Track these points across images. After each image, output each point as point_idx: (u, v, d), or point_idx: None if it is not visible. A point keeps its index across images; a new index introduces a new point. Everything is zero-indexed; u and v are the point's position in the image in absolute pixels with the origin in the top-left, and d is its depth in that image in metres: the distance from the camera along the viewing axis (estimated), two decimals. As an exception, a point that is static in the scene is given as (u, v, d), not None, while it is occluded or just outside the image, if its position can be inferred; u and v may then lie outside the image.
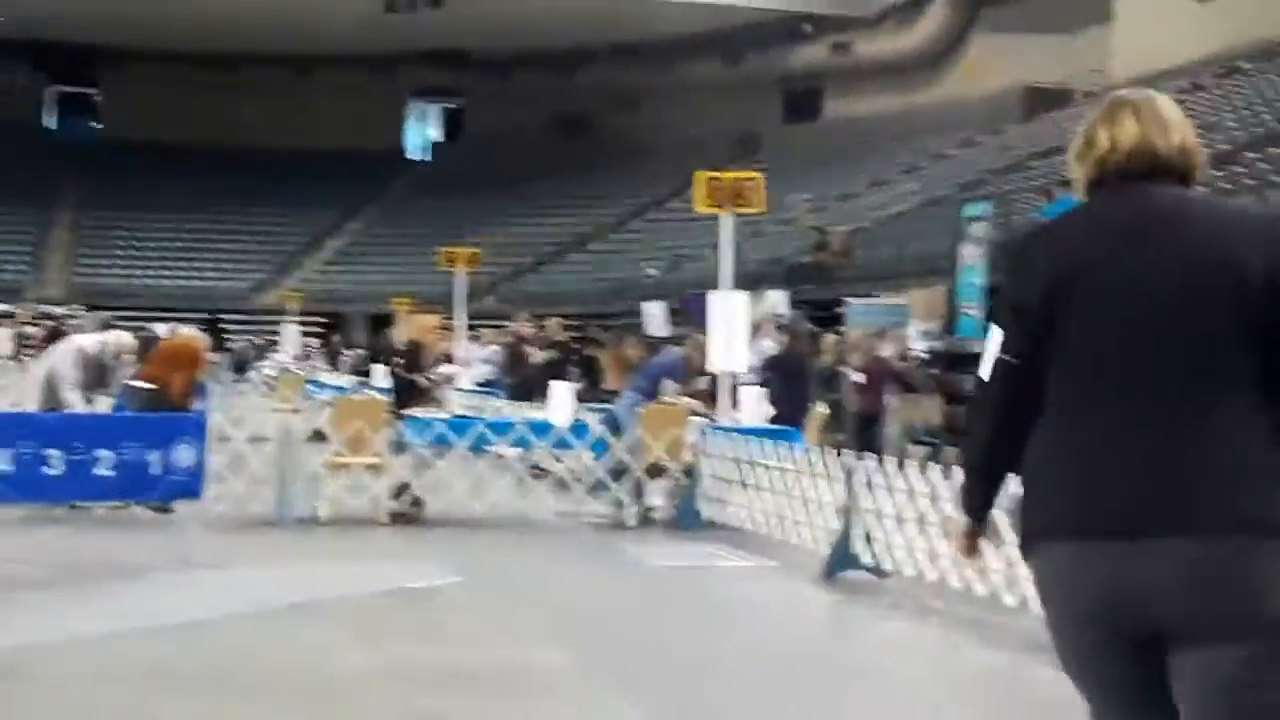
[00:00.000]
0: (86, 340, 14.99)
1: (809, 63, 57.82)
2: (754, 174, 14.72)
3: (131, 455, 12.78)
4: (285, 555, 11.36)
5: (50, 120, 67.05)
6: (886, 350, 19.64)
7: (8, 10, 54.45)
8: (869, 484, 10.62)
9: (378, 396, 16.05)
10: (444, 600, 9.81)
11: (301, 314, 42.23)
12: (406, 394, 18.21)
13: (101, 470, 12.73)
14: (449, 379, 21.42)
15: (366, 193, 62.13)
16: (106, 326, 18.18)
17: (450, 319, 25.10)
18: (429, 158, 67.51)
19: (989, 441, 3.48)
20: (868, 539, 10.55)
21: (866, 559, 10.54)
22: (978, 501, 3.58)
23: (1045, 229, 3.59)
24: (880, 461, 11.05)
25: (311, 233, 60.18)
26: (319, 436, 14.86)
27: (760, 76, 58.39)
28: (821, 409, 17.38)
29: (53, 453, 12.63)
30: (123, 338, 15.01)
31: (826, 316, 25.97)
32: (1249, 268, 3.23)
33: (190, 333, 16.76)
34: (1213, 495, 3.12)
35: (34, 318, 45.12)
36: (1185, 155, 3.45)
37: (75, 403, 13.90)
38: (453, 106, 68.08)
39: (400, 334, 22.33)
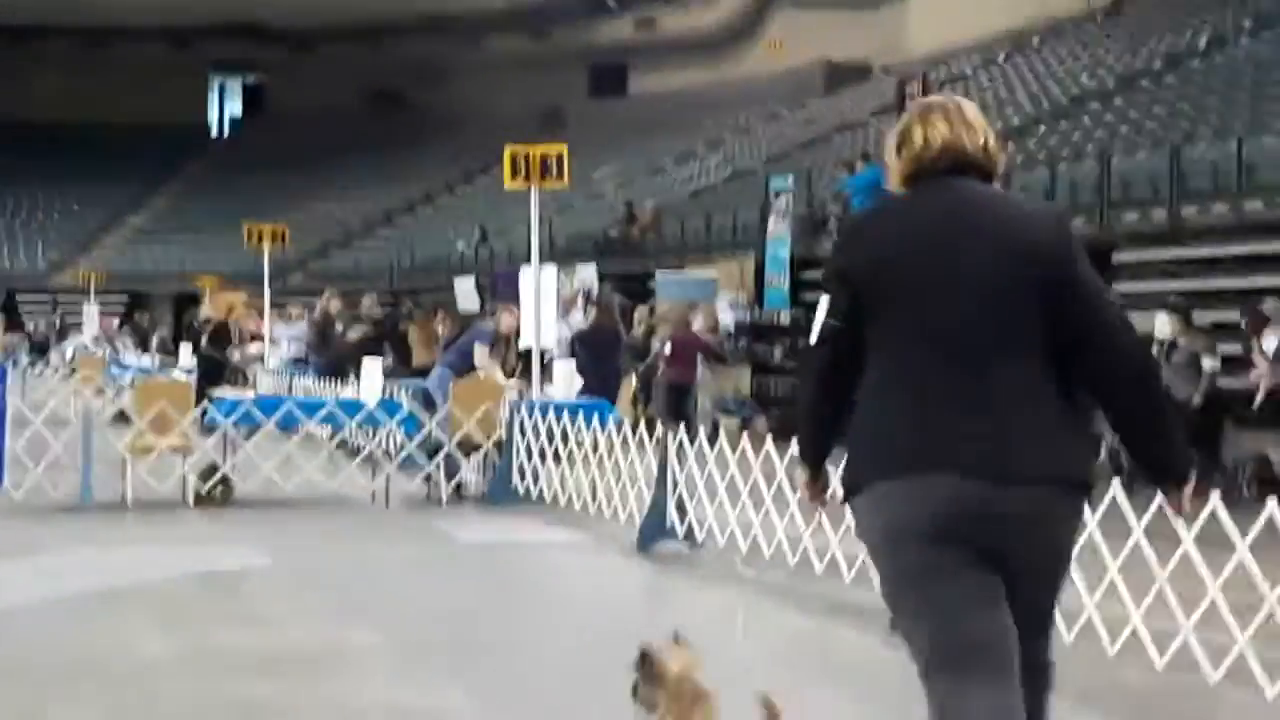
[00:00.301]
0: None
1: (615, 38, 58.03)
2: (559, 146, 14.69)
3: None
4: (89, 541, 11.11)
5: None
6: (696, 323, 19.87)
7: None
8: (680, 455, 10.75)
9: (182, 377, 15.74)
10: (254, 583, 9.70)
11: (103, 293, 41.12)
12: (213, 373, 17.92)
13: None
14: (256, 358, 21.12)
15: (168, 169, 60.80)
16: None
17: (257, 297, 24.69)
18: (233, 133, 66.26)
19: (817, 395, 4.01)
20: (680, 510, 10.69)
21: (679, 530, 10.68)
22: (813, 450, 4.08)
23: (872, 215, 4.21)
24: (691, 432, 11.19)
25: (111, 210, 58.66)
26: (123, 418, 14.57)
27: (566, 51, 58.43)
28: (633, 382, 17.53)
29: None
30: None
31: (637, 290, 26.12)
32: (1043, 259, 3.80)
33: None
34: (1022, 454, 3.74)
35: None
36: (988, 154, 3.99)
37: None
38: (255, 81, 66.90)
39: (206, 312, 21.97)
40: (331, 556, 10.82)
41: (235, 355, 20.00)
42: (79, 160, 57.22)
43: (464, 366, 14.36)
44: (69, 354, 32.45)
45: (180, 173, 61.33)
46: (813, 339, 3.97)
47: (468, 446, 13.70)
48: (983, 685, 3.73)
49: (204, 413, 13.73)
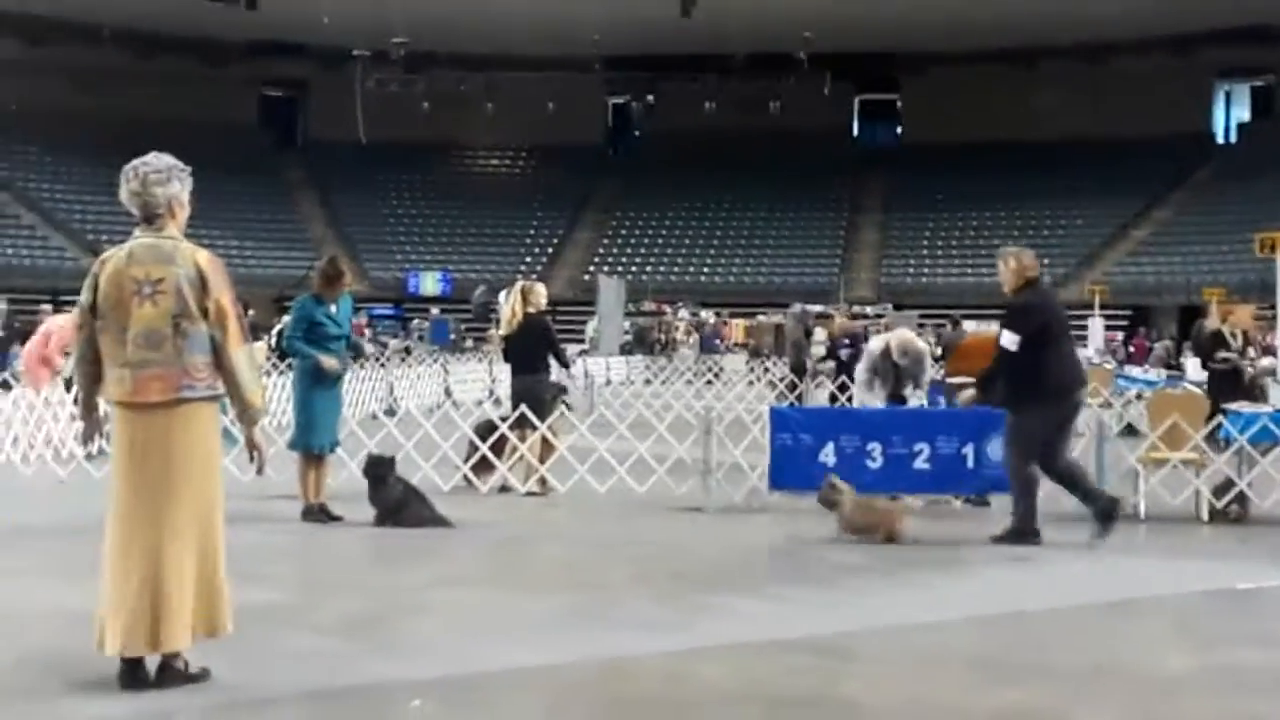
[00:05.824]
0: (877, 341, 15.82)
1: None
2: None
3: (946, 449, 13.09)
4: (1106, 551, 11.21)
5: (855, 127, 70.06)
6: None
7: (815, 27, 57.42)
8: None
9: (1194, 390, 15.50)
10: (1269, 601, 9.40)
11: (1105, 307, 41.60)
12: (1226, 387, 17.49)
13: (919, 464, 13.12)
14: (1271, 371, 20.40)
15: (1170, 180, 60.24)
16: (917, 326, 18.69)
17: (1267, 308, 23.86)
18: (1239, 140, 64.46)
19: (1010, 368, 11.24)
20: None
21: None
22: (994, 389, 11.54)
23: (1036, 296, 11.56)
24: None
25: (1113, 224, 59.10)
26: (1130, 430, 14.60)
27: None
28: None
29: (873, 446, 13.17)
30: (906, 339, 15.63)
31: None
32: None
33: (992, 329, 16.96)
34: (1082, 380, 11.80)
35: (850, 317, 47.38)
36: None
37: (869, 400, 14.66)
38: (1260, 84, 64.77)
39: (1213, 325, 21.47)
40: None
41: (1249, 368, 19.38)
42: (1081, 176, 58.26)
43: None
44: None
45: (1184, 183, 60.58)
46: (1013, 348, 11.07)
47: None
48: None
49: (1218, 426, 13.44)
